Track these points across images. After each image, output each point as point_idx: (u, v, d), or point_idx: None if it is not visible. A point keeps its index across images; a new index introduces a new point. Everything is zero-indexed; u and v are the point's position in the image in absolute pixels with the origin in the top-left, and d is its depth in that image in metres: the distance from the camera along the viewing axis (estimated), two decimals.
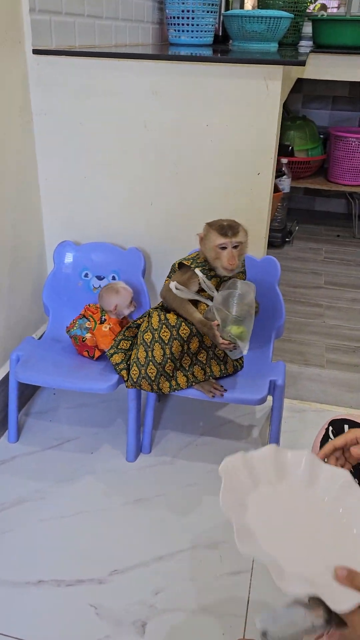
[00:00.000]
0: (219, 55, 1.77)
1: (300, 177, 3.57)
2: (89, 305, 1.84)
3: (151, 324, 1.66)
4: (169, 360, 1.61)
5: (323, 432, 1.59)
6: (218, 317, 1.54)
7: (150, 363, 1.62)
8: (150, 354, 1.62)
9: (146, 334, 1.66)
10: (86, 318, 1.80)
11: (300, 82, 3.60)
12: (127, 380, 1.67)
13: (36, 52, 1.72)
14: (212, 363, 1.64)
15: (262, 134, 1.70)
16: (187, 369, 1.63)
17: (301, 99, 3.80)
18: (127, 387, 1.67)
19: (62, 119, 1.82)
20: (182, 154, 1.79)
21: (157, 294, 1.98)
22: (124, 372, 1.67)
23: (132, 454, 1.77)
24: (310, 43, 3.42)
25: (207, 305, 1.60)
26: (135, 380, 1.64)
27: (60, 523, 1.56)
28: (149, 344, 1.64)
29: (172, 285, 1.59)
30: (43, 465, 1.75)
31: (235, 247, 1.53)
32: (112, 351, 1.74)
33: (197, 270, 1.57)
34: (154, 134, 1.78)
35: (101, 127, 1.80)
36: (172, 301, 1.64)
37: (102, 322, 1.77)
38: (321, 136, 3.64)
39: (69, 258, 1.92)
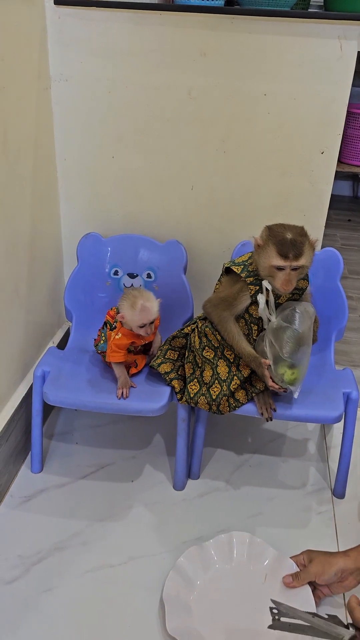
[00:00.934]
0: None
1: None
2: (111, 308, 1.54)
3: (210, 341, 1.41)
4: (235, 377, 1.36)
5: None
6: (270, 353, 1.31)
7: (216, 381, 1.37)
8: (214, 370, 1.38)
9: (206, 351, 1.41)
10: (106, 326, 1.53)
11: None
12: (179, 393, 1.41)
13: (58, 1, 1.40)
14: None
15: (330, 105, 1.45)
16: (244, 379, 1.38)
17: None
18: (180, 402, 1.41)
19: (86, 86, 1.52)
20: (232, 128, 1.52)
21: (200, 295, 1.71)
22: (175, 383, 1.42)
23: (180, 482, 1.52)
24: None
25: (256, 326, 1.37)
26: (192, 396, 1.39)
27: (111, 575, 1.29)
28: (212, 361, 1.39)
29: (263, 302, 1.30)
30: (77, 500, 1.48)
31: (295, 269, 1.27)
32: (158, 361, 1.48)
33: (266, 283, 1.30)
34: (199, 104, 1.50)
35: (133, 95, 1.51)
36: (217, 322, 1.38)
37: (112, 329, 1.47)
38: None
39: (94, 253, 1.63)
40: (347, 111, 3.21)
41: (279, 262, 1.25)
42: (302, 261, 1.26)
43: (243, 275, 1.34)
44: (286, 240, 1.24)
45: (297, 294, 1.38)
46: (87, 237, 1.63)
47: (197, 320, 1.48)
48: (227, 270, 1.41)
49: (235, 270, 1.36)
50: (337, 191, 3.85)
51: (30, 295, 1.56)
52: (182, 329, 1.58)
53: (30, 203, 1.49)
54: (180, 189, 1.61)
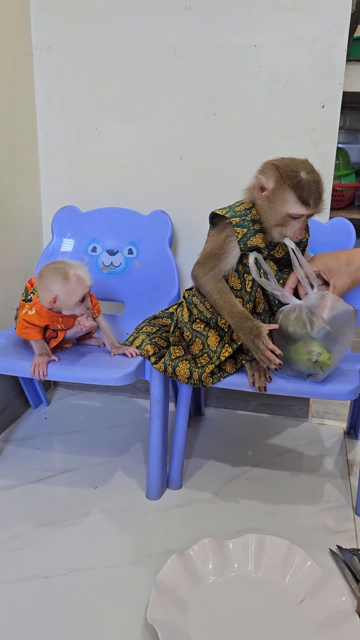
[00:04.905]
0: None
1: (333, 208, 3.21)
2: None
3: (201, 312, 1.16)
4: (226, 345, 1.11)
5: None
6: (297, 323, 1.04)
7: (205, 354, 1.13)
8: (205, 343, 1.14)
9: (196, 324, 1.17)
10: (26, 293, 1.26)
11: None
12: (153, 356, 1.16)
13: None
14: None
15: (328, 52, 1.31)
16: (237, 348, 1.11)
17: None
18: (154, 366, 1.14)
19: (69, 53, 1.45)
20: (221, 87, 1.39)
21: (187, 272, 1.49)
22: (148, 347, 1.17)
23: (154, 487, 1.20)
24: None
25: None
26: (172, 358, 1.14)
27: (43, 587, 0.96)
28: (202, 333, 1.15)
29: (252, 259, 1.06)
30: (22, 505, 1.17)
31: (308, 216, 1.06)
32: (131, 338, 1.24)
33: (288, 239, 1.06)
34: (185, 63, 1.39)
35: (117, 58, 1.42)
36: (204, 284, 1.12)
37: (27, 300, 1.21)
38: (353, 167, 3.33)
39: (71, 227, 1.46)
40: None
41: (300, 210, 1.03)
42: (320, 207, 1.05)
43: (228, 215, 1.12)
44: (303, 182, 1.02)
45: (300, 248, 1.15)
46: (64, 210, 1.47)
47: (184, 293, 1.26)
48: (213, 220, 1.20)
49: (220, 212, 1.15)
50: None
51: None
52: (167, 309, 1.35)
53: (3, 181, 1.37)
54: (167, 159, 1.46)
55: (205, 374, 1.09)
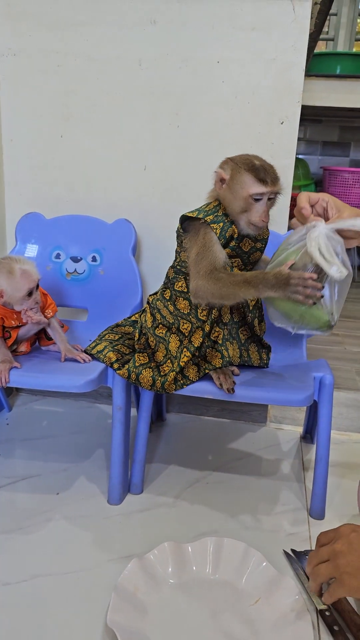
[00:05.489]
0: None
1: (293, 217, 3.29)
2: None
3: (164, 317, 1.20)
4: (185, 350, 1.14)
5: None
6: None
7: (168, 360, 1.16)
8: (167, 349, 1.18)
9: (159, 329, 1.21)
10: None
11: None
12: (116, 362, 1.18)
13: None
14: (227, 346, 1.15)
15: (287, 71, 1.36)
16: (194, 350, 1.14)
17: None
18: (118, 372, 1.17)
19: (35, 61, 1.46)
20: (185, 100, 1.42)
21: (151, 286, 1.52)
22: (111, 354, 1.19)
23: (116, 493, 1.22)
24: None
25: None
26: (136, 365, 1.17)
27: (3, 594, 0.96)
28: (164, 338, 1.19)
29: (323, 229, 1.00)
30: None
31: (270, 198, 1.11)
32: (92, 344, 1.26)
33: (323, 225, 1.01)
34: (150, 76, 1.42)
35: (83, 69, 1.44)
36: (212, 284, 1.08)
37: None
38: (313, 177, 3.44)
39: (35, 234, 1.47)
40: (328, 170, 3.23)
41: (259, 188, 1.08)
42: (279, 186, 1.11)
43: (201, 215, 1.15)
44: (256, 165, 1.09)
45: (262, 245, 1.19)
46: (28, 216, 1.47)
47: (148, 298, 1.28)
48: (183, 224, 1.20)
49: (191, 215, 1.17)
50: None
51: None
52: (129, 317, 1.37)
53: None
54: (131, 169, 1.49)
55: (168, 381, 1.12)
